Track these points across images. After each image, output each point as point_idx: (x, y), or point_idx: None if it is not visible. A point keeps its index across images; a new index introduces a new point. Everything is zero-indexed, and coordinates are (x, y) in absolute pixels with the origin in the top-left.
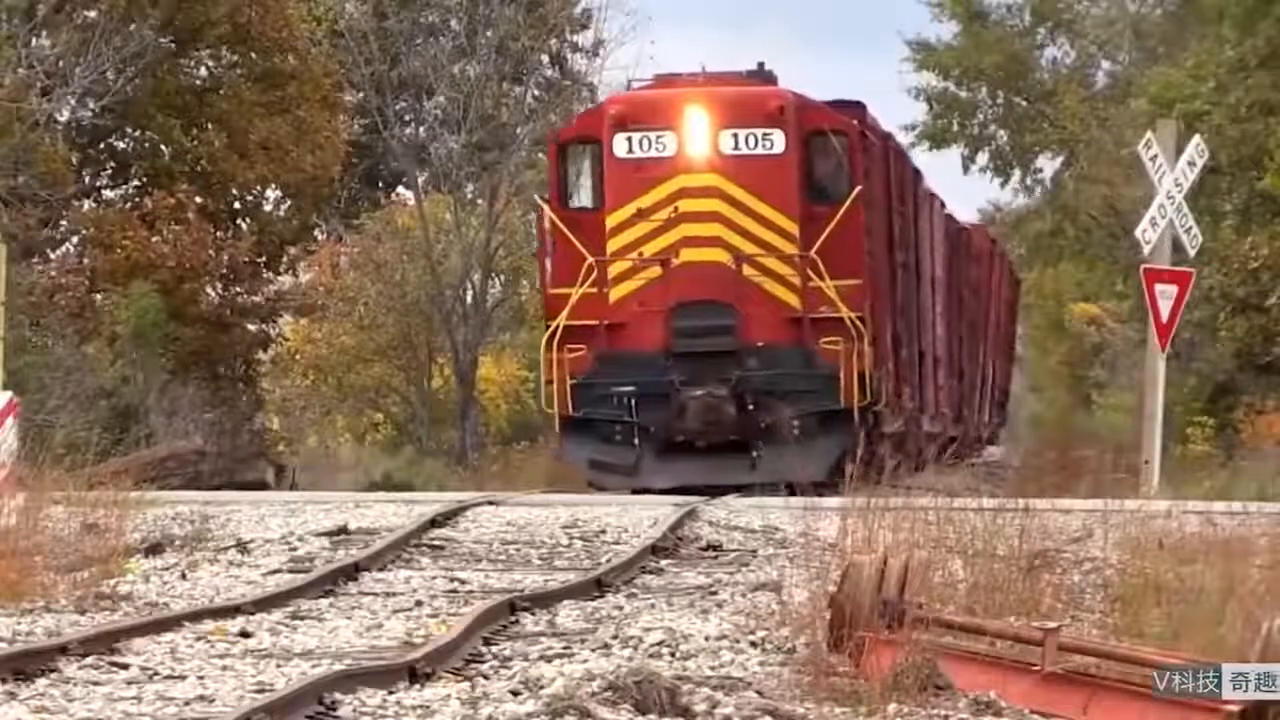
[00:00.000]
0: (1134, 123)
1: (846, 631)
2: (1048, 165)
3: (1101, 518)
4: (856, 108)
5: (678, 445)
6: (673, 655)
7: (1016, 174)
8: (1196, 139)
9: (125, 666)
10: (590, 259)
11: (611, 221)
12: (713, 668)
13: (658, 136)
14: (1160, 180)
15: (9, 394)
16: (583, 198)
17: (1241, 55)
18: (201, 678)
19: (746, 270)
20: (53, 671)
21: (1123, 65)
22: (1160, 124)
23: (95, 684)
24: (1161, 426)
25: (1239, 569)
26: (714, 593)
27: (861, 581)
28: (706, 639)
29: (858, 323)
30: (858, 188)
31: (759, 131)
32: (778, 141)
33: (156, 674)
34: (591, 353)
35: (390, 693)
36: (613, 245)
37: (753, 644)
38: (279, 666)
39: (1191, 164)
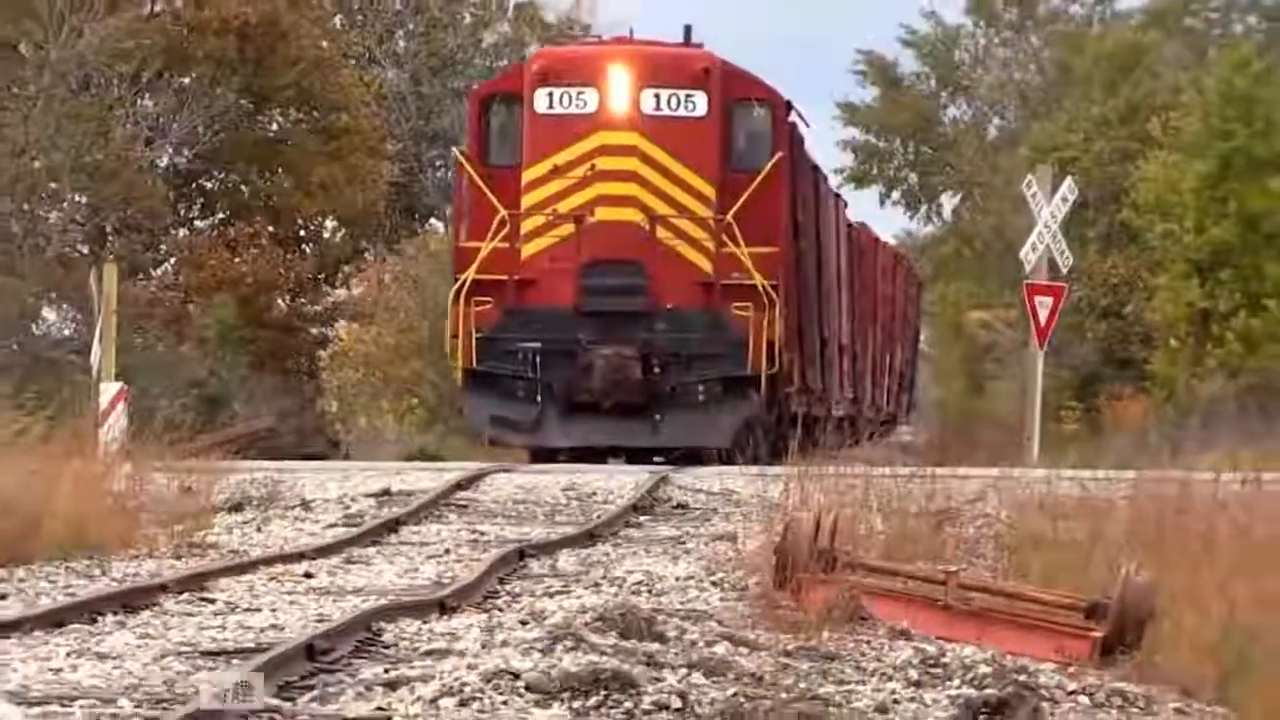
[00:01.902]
0: (1018, 166)
1: (789, 574)
2: (949, 201)
3: (993, 483)
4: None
5: (581, 405)
6: (650, 592)
7: (924, 208)
8: (1068, 180)
9: (212, 601)
10: (503, 212)
11: (528, 177)
12: (682, 602)
13: (579, 93)
14: (1039, 212)
15: (120, 384)
16: (502, 152)
17: (1104, 113)
18: (274, 610)
19: (660, 232)
20: (155, 605)
21: (1010, 121)
22: (1039, 168)
23: (188, 615)
24: (1040, 410)
25: (1103, 524)
26: (682, 542)
27: (801, 534)
28: (677, 579)
29: (770, 290)
30: (778, 154)
31: (682, 93)
32: (700, 104)
33: (237, 607)
34: (499, 307)
35: (424, 622)
36: (527, 201)
37: (714, 583)
38: (335, 601)
39: (1064, 199)
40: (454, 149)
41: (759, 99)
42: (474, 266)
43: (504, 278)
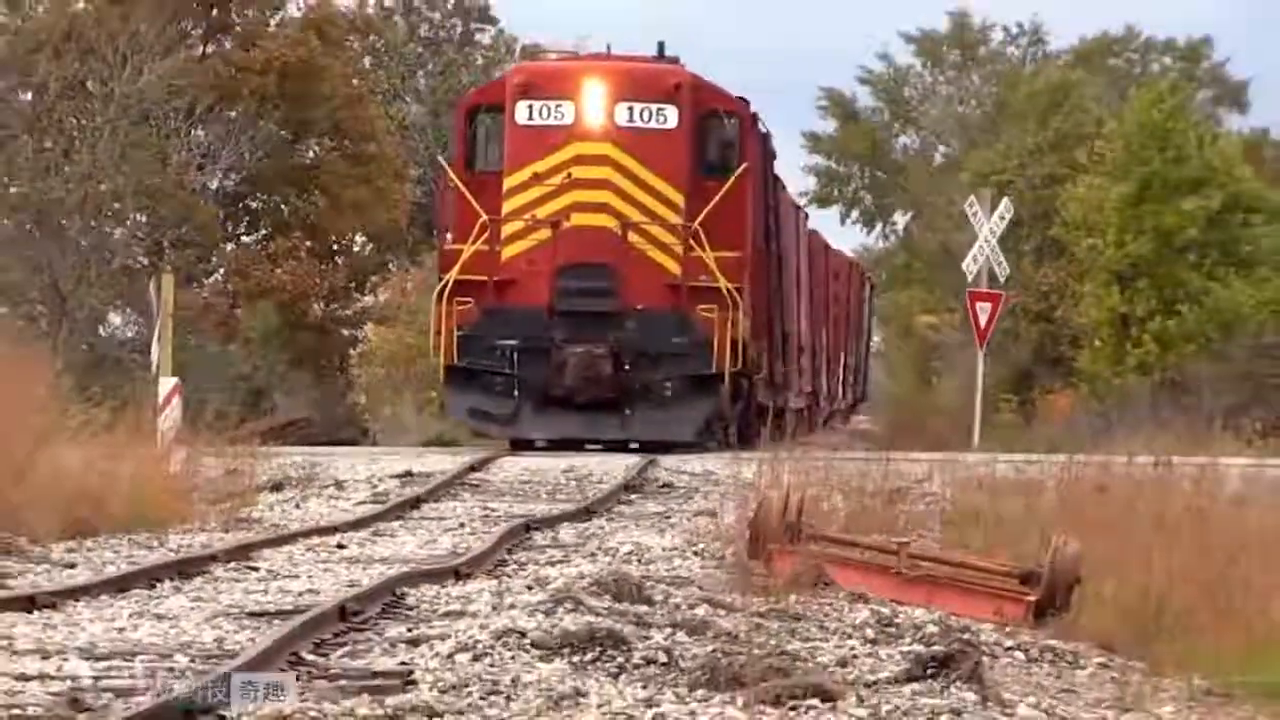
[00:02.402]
0: (961, 189)
1: (761, 545)
2: (901, 219)
3: (939, 465)
4: (743, 103)
5: (555, 399)
6: (639, 561)
7: (879, 226)
8: (1005, 200)
9: (256, 569)
10: (485, 217)
11: (508, 184)
12: (667, 570)
13: (556, 105)
14: (980, 229)
15: (175, 380)
16: (485, 161)
17: (1037, 142)
18: (310, 577)
19: (631, 236)
20: (206, 572)
21: (953, 149)
22: (980, 190)
23: (235, 581)
24: (980, 402)
25: (1035, 501)
26: (668, 518)
27: (771, 510)
28: (663, 550)
29: (734, 293)
30: (744, 165)
31: (654, 106)
32: (671, 116)
33: (278, 574)
34: (479, 307)
35: (442, 587)
36: (508, 206)
37: (695, 553)
38: (364, 569)
39: (1001, 217)
40: (439, 157)
41: (727, 112)
42: (456, 268)
43: (484, 279)
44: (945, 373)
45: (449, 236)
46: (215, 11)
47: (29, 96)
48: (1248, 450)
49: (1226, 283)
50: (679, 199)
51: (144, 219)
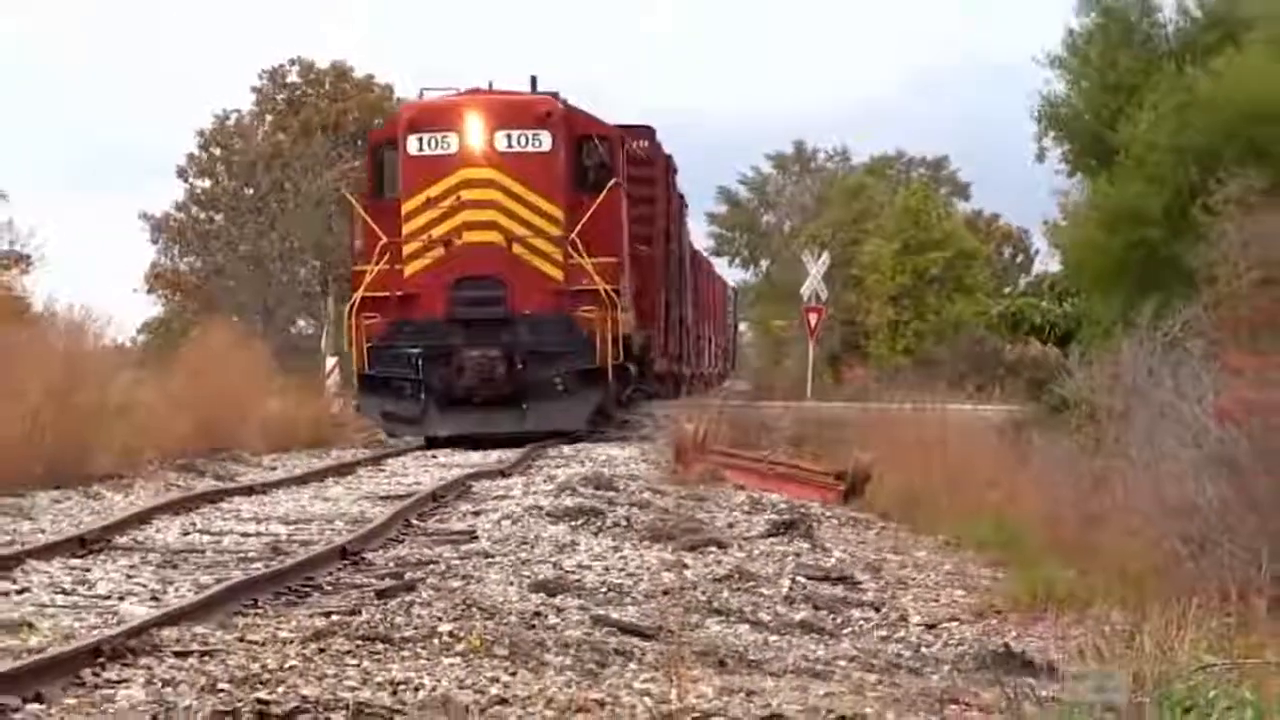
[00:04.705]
0: (799, 246)
1: (681, 456)
2: (764, 264)
3: (786, 410)
4: (647, 130)
5: (458, 399)
6: (609, 464)
7: (751, 267)
8: (825, 253)
9: (384, 470)
10: (384, 239)
11: (406, 208)
12: (625, 471)
13: (443, 136)
14: (811, 270)
15: (336, 358)
16: (387, 189)
17: (843, 218)
18: (416, 474)
19: (516, 249)
20: (354, 472)
21: (795, 222)
22: (810, 247)
23: (372, 477)
24: (811, 372)
25: (844, 430)
26: (627, 440)
27: (686, 435)
28: (624, 459)
29: (611, 294)
30: (613, 180)
31: (529, 132)
32: (545, 140)
33: (398, 473)
34: (385, 320)
35: (493, 480)
36: (407, 229)
37: (643, 461)
38: (448, 470)
39: (824, 264)
40: (341, 189)
41: (599, 135)
42: (363, 286)
43: (388, 294)
44: (789, 355)
45: (358, 259)
46: (359, 142)
47: (250, 192)
48: (966, 400)
49: (955, 301)
50: (558, 213)
51: (317, 263)
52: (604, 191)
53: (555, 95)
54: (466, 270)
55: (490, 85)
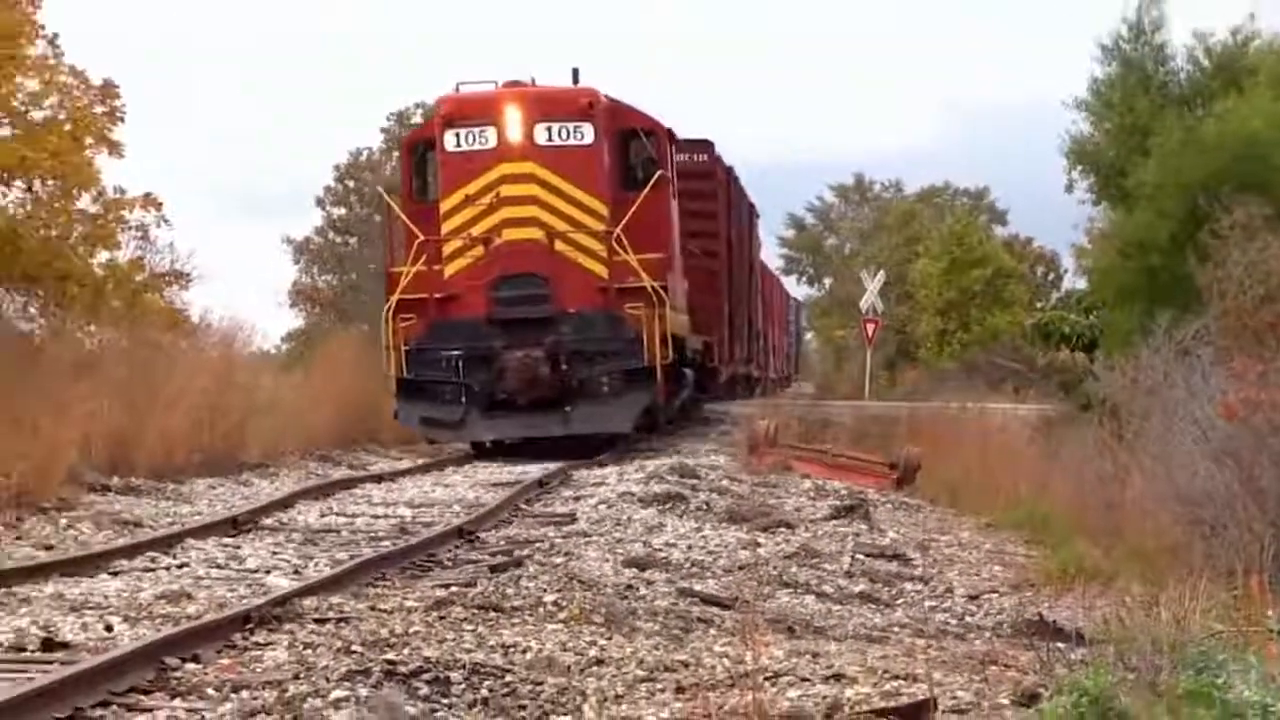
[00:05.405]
0: (859, 265)
1: (755, 449)
2: (828, 281)
3: (848, 408)
4: (706, 144)
5: (500, 402)
6: (692, 455)
7: (816, 284)
8: (881, 271)
9: (496, 460)
10: (421, 238)
11: (445, 207)
12: (707, 462)
13: (480, 131)
14: (869, 286)
15: None
16: (427, 189)
17: (898, 241)
18: (525, 465)
19: (559, 246)
20: (469, 462)
21: (855, 245)
22: (869, 266)
23: (486, 466)
24: (869, 376)
25: (900, 426)
26: (708, 435)
27: (760, 430)
28: (705, 451)
29: (659, 290)
30: (658, 173)
31: (570, 124)
32: (587, 133)
33: (507, 463)
34: (423, 321)
35: (590, 470)
36: (446, 227)
37: (722, 454)
38: (554, 461)
39: (880, 280)
40: (378, 189)
41: (645, 129)
42: (400, 288)
43: (426, 296)
44: (849, 361)
45: (394, 260)
46: None
47: (379, 219)
48: (1006, 401)
49: (994, 313)
50: (602, 208)
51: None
52: (649, 185)
53: (588, 86)
54: (507, 269)
55: (532, 81)
